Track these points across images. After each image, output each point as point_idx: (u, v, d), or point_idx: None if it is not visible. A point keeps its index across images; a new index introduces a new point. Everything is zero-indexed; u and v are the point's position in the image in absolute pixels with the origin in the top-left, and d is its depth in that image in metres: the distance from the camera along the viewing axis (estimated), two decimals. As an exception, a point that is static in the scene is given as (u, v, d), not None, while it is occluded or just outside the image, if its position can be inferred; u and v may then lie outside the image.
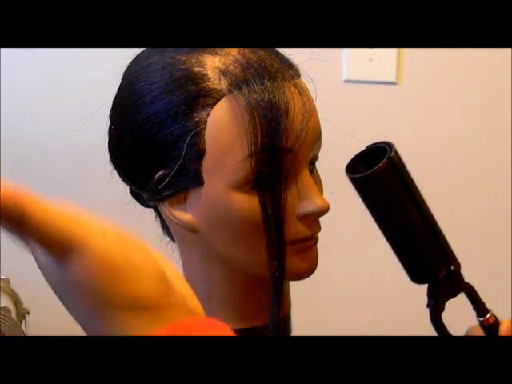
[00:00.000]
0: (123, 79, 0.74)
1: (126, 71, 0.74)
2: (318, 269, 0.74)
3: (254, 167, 0.67)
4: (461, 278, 0.63)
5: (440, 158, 1.66)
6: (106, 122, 0.75)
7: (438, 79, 1.64)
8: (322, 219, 0.73)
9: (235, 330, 0.74)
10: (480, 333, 0.63)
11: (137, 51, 0.75)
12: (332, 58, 1.59)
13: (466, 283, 0.64)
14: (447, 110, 1.64)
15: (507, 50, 1.55)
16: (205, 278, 0.75)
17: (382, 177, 0.54)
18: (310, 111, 0.70)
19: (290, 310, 0.78)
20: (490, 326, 0.63)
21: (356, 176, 0.54)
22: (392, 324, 1.69)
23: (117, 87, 0.75)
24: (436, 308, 0.62)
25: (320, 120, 0.72)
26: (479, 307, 0.63)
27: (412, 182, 0.57)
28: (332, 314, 1.68)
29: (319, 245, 0.74)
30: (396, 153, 0.54)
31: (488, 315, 0.63)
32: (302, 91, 0.70)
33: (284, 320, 0.76)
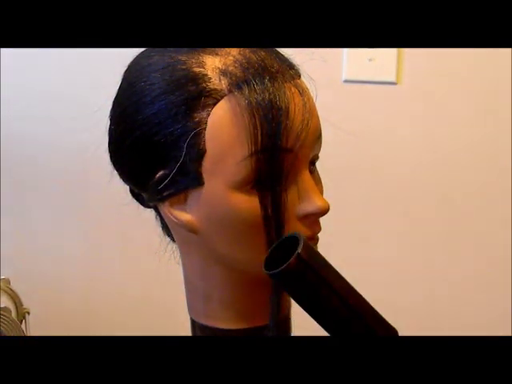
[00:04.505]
0: (123, 79, 0.74)
1: (126, 71, 0.74)
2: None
3: (255, 167, 0.67)
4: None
5: (440, 157, 1.66)
6: (106, 122, 0.75)
7: (438, 79, 1.64)
8: (322, 219, 0.73)
9: (235, 331, 0.75)
10: None
11: (137, 51, 0.75)
12: (332, 58, 1.59)
13: None
14: (447, 109, 1.64)
15: (507, 50, 1.55)
16: (205, 278, 0.75)
17: (292, 273, 0.58)
18: (311, 111, 0.70)
19: (290, 310, 0.78)
20: None
21: (270, 273, 0.59)
22: (392, 324, 1.69)
23: (117, 87, 0.75)
24: None
25: (320, 120, 0.72)
26: None
27: (328, 270, 0.59)
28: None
29: (319, 245, 0.74)
30: (305, 247, 0.58)
31: None
32: (303, 91, 0.70)
33: (284, 320, 0.76)
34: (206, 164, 0.68)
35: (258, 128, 0.66)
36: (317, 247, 0.73)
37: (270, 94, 0.67)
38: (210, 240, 0.72)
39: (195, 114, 0.68)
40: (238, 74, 0.68)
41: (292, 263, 0.56)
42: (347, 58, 1.62)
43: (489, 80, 1.61)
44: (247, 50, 0.70)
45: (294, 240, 0.60)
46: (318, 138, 0.72)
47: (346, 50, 1.62)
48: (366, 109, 1.66)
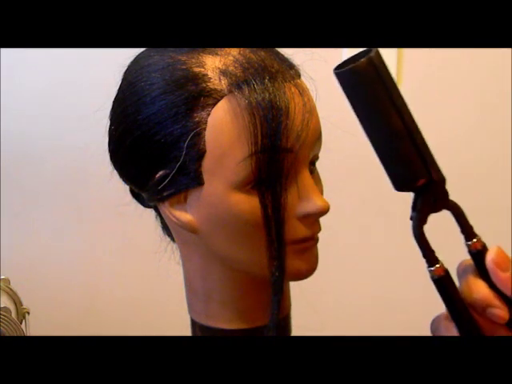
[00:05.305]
0: (123, 79, 0.74)
1: (126, 71, 0.74)
2: (317, 269, 0.74)
3: (255, 167, 0.67)
4: (444, 192, 0.61)
5: (439, 157, 1.66)
6: (106, 122, 0.75)
7: (438, 79, 1.64)
8: (322, 219, 0.73)
9: (235, 331, 0.75)
10: (449, 328, 0.60)
11: (137, 51, 0.75)
12: (332, 58, 1.59)
13: (452, 201, 0.62)
14: (447, 110, 1.64)
15: (507, 50, 1.55)
16: (205, 278, 0.75)
17: (361, 73, 0.57)
18: (311, 111, 0.70)
19: (290, 310, 0.78)
20: (478, 252, 0.60)
21: (339, 71, 0.58)
22: (392, 324, 1.69)
23: (117, 87, 0.75)
24: (417, 220, 0.61)
25: (320, 120, 0.72)
26: (466, 230, 0.61)
27: (393, 85, 0.58)
28: (332, 315, 1.68)
29: (319, 245, 0.74)
30: (377, 54, 0.57)
31: (475, 240, 0.60)
32: (303, 91, 0.70)
33: (284, 320, 0.76)
34: (206, 164, 0.69)
35: (258, 128, 0.67)
36: (316, 247, 0.74)
37: (270, 93, 0.67)
38: (210, 240, 0.72)
39: (195, 114, 0.68)
40: (238, 74, 0.68)
41: (362, 63, 0.56)
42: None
43: (489, 80, 1.61)
44: (247, 50, 0.70)
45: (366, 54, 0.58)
46: (318, 138, 0.72)
47: (346, 50, 1.62)
48: (366, 109, 1.66)
